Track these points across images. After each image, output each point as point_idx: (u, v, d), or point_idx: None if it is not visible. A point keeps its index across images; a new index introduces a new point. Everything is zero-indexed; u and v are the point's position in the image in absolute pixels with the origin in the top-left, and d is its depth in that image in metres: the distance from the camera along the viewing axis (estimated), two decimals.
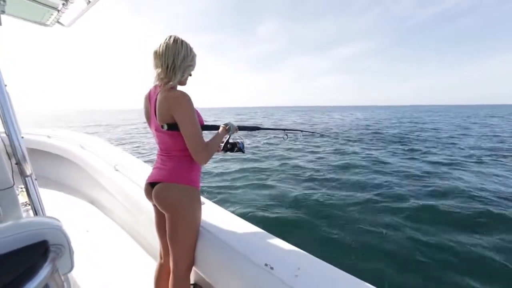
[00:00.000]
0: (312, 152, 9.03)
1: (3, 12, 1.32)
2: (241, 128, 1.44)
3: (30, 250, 0.49)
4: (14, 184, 1.35)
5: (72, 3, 1.50)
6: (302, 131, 1.97)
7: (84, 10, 1.55)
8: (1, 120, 1.10)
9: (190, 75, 1.21)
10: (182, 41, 1.12)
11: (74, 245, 0.62)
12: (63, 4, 1.54)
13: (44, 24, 1.93)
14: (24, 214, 1.24)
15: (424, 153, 8.94)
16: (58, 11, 1.67)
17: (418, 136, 13.87)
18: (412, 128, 19.05)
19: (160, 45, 1.11)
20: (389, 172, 6.24)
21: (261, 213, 3.99)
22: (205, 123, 1.30)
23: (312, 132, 2.24)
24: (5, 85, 1.15)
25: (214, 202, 1.62)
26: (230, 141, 1.37)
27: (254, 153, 8.63)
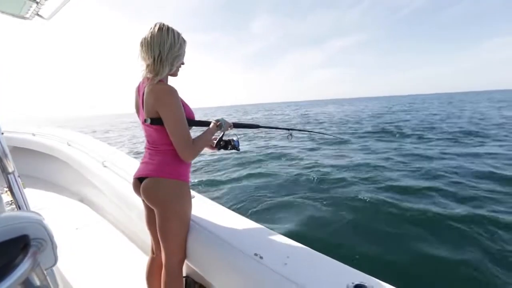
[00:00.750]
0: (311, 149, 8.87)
1: None
2: (236, 125, 1.38)
3: (9, 245, 0.49)
4: None
5: None
6: (310, 131, 1.92)
7: (65, 2, 1.50)
8: None
9: (183, 63, 1.17)
10: (168, 28, 1.07)
11: (64, 243, 0.61)
12: None
13: (23, 17, 1.85)
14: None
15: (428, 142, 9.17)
16: (37, 2, 1.60)
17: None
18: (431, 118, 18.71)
19: (145, 35, 1.06)
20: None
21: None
22: (197, 119, 1.27)
23: (322, 133, 2.16)
24: None
25: (205, 195, 1.62)
26: (224, 138, 1.33)
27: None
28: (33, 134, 3.47)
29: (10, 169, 1.07)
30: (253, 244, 1.09)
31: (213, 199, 1.60)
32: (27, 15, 1.82)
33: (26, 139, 3.48)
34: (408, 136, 10.58)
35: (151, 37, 1.05)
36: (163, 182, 1.14)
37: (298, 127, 14.48)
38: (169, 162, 1.15)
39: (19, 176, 1.15)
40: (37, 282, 0.50)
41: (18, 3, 1.66)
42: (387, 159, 6.72)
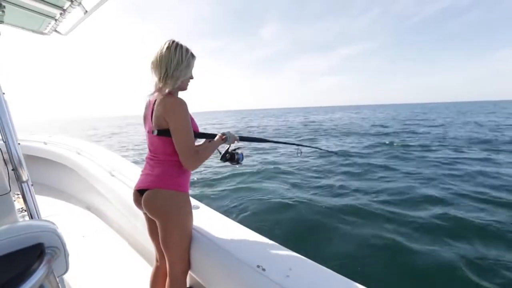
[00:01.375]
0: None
1: (1, 22, 1.35)
2: (243, 138, 1.39)
3: (26, 253, 0.52)
4: (10, 190, 1.36)
5: (69, 12, 1.53)
6: (320, 149, 1.94)
7: (82, 19, 1.58)
8: None
9: (192, 77, 1.22)
10: (176, 46, 1.12)
11: (70, 250, 0.64)
12: (61, 13, 1.58)
13: (42, 33, 1.96)
14: (20, 220, 1.25)
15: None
16: (56, 20, 1.70)
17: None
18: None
19: (155, 54, 1.14)
20: None
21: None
22: (205, 132, 1.32)
23: (331, 152, 2.09)
24: (3, 93, 1.18)
25: (209, 206, 1.64)
26: (230, 150, 1.35)
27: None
28: (45, 143, 3.58)
29: (24, 178, 1.12)
30: (256, 256, 1.09)
31: (217, 209, 1.62)
32: (46, 31, 1.93)
33: (37, 147, 3.59)
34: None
35: (160, 55, 1.12)
36: (162, 193, 1.16)
37: (306, 141, 13.45)
38: (168, 173, 1.18)
39: (32, 185, 1.19)
40: None
41: (38, 20, 1.76)
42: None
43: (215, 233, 1.27)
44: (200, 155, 1.16)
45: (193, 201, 1.68)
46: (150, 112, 1.21)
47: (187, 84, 1.23)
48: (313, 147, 1.98)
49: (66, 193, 3.31)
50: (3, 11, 1.33)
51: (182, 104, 1.11)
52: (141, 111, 1.31)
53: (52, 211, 2.79)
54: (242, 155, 1.37)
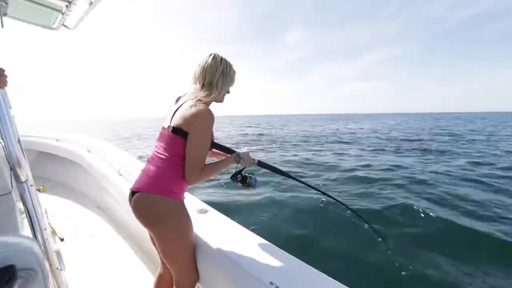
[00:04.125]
0: None
1: (5, 14, 1.29)
2: (261, 164, 1.31)
3: None
4: (12, 190, 1.31)
5: (75, 4, 1.47)
6: (344, 205, 1.61)
7: (87, 12, 1.52)
8: None
9: (228, 92, 1.20)
10: (222, 58, 1.13)
11: (77, 250, 0.54)
12: (67, 6, 1.52)
13: (50, 28, 1.92)
14: (20, 222, 1.20)
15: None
16: (63, 13, 1.65)
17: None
18: None
19: (200, 62, 1.13)
20: None
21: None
22: (223, 144, 1.27)
23: (359, 216, 1.62)
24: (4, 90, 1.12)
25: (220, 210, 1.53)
26: (244, 172, 1.26)
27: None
28: (57, 140, 3.60)
29: (23, 178, 1.05)
30: (269, 271, 0.98)
31: (227, 214, 1.51)
32: (54, 26, 1.88)
33: (50, 144, 3.61)
34: None
35: (205, 64, 1.12)
36: (150, 199, 1.06)
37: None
38: (164, 176, 1.08)
39: (32, 185, 1.13)
40: None
41: (46, 14, 1.71)
42: None
43: (225, 242, 1.17)
44: (204, 173, 1.09)
45: (201, 205, 1.59)
46: (175, 109, 1.15)
47: (224, 97, 1.20)
48: (344, 205, 1.61)
49: (76, 190, 3.32)
50: (6, 3, 1.27)
51: (211, 117, 1.07)
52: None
53: (62, 209, 2.78)
54: (256, 180, 1.27)
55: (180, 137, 1.07)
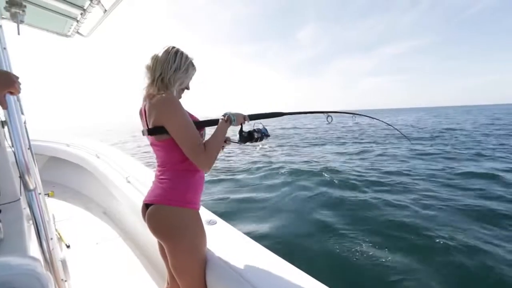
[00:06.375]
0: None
1: (21, 22, 1.31)
2: (253, 116, 1.21)
3: None
4: (20, 197, 1.29)
5: (89, 12, 1.48)
6: (353, 114, 1.52)
7: (101, 19, 1.53)
8: (8, 130, 1.05)
9: (188, 88, 1.12)
10: (176, 51, 1.04)
11: (82, 257, 0.51)
12: (81, 13, 1.53)
13: (65, 35, 1.96)
14: (27, 230, 1.17)
15: None
16: (77, 21, 1.67)
17: None
18: None
19: (151, 56, 1.04)
20: None
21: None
22: (206, 119, 1.15)
23: (371, 117, 1.59)
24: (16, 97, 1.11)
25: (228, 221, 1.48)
26: (245, 129, 1.18)
27: None
28: (67, 145, 3.64)
29: (31, 186, 1.03)
30: None
31: (236, 225, 1.45)
32: (69, 33, 1.91)
33: (60, 149, 3.66)
34: None
35: (155, 58, 1.03)
36: (166, 210, 1.01)
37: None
38: (175, 187, 1.04)
39: (40, 193, 1.11)
40: None
41: (61, 22, 1.74)
42: None
43: (235, 257, 1.11)
44: (209, 148, 1.00)
45: (210, 215, 1.54)
46: (144, 121, 1.08)
47: (181, 94, 1.11)
48: (353, 114, 1.50)
49: (85, 196, 3.32)
50: (23, 11, 1.29)
51: (171, 99, 0.98)
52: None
53: (70, 214, 2.78)
54: (263, 129, 1.19)
55: (164, 139, 1.01)
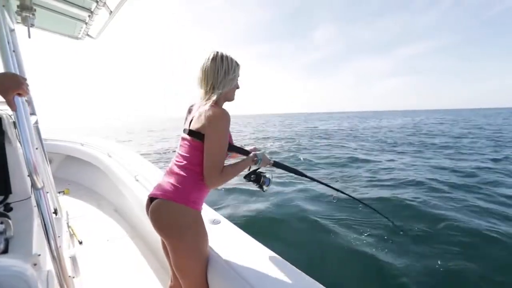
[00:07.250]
0: None
1: (32, 25, 1.34)
2: (277, 165, 1.27)
3: None
4: (31, 195, 1.33)
5: (96, 14, 1.51)
6: (360, 201, 1.56)
7: (108, 21, 1.56)
8: (17, 129, 1.08)
9: (238, 87, 1.18)
10: (221, 56, 1.09)
11: (92, 254, 0.51)
12: (89, 16, 1.56)
13: (76, 38, 2.01)
14: (36, 228, 1.21)
15: None
16: (86, 23, 1.71)
17: None
18: None
19: (201, 67, 1.11)
20: None
21: None
22: (241, 147, 1.24)
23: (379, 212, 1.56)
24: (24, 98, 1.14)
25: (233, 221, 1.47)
26: (258, 171, 1.22)
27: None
28: (81, 144, 3.76)
29: (39, 185, 1.05)
30: None
31: (241, 226, 1.44)
32: (79, 36, 1.96)
33: (75, 148, 3.78)
34: None
35: (205, 68, 1.10)
36: (169, 206, 1.03)
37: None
38: (185, 184, 1.06)
39: (47, 192, 1.14)
40: None
41: (71, 25, 1.78)
42: None
43: (237, 258, 1.10)
44: (225, 174, 1.06)
45: (214, 215, 1.54)
46: (191, 116, 1.15)
47: (234, 95, 1.18)
48: (362, 202, 1.56)
49: (97, 194, 3.42)
50: (33, 14, 1.32)
51: (226, 117, 1.05)
52: None
53: (82, 212, 2.87)
54: (269, 180, 1.22)
55: (198, 141, 1.06)
